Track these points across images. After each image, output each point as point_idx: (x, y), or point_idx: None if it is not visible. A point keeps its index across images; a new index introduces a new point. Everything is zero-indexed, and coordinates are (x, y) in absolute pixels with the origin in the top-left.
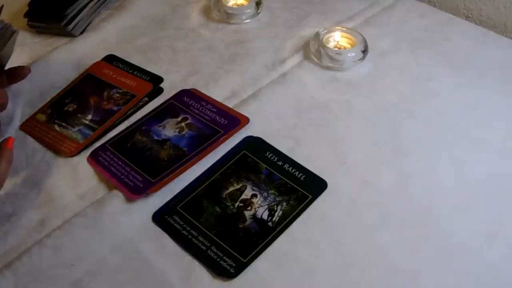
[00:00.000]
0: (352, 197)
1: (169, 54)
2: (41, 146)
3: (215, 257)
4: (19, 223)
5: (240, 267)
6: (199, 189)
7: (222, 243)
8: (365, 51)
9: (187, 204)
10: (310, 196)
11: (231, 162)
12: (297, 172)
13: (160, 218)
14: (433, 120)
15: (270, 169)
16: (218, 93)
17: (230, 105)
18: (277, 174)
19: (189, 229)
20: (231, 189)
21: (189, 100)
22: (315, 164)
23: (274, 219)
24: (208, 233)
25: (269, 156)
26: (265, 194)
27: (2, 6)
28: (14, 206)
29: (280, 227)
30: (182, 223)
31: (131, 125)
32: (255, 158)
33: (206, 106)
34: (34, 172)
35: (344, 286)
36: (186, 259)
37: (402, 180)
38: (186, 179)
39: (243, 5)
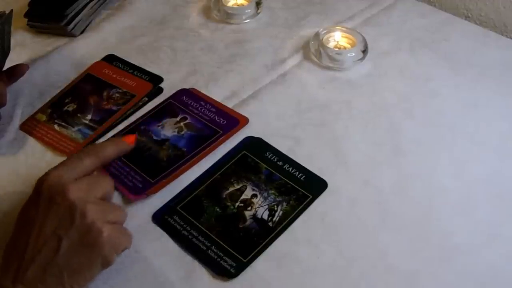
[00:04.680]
0: (352, 197)
1: (169, 54)
2: (41, 146)
3: (215, 257)
4: None
5: (240, 267)
6: (199, 189)
7: (222, 243)
8: (365, 51)
9: (187, 204)
10: (310, 196)
11: (231, 162)
12: (297, 172)
13: (160, 218)
14: (433, 120)
15: (270, 169)
16: (218, 93)
17: (230, 105)
18: (277, 174)
19: (189, 229)
20: (231, 189)
21: (187, 100)
22: (315, 164)
23: (274, 219)
24: (209, 233)
25: (269, 156)
26: (265, 194)
27: (11, 10)
28: (14, 206)
29: (281, 227)
30: (182, 223)
31: (129, 125)
32: (255, 159)
33: (205, 106)
34: (34, 171)
35: (344, 286)
36: (186, 259)
37: (402, 180)
38: (186, 179)
39: (243, 5)
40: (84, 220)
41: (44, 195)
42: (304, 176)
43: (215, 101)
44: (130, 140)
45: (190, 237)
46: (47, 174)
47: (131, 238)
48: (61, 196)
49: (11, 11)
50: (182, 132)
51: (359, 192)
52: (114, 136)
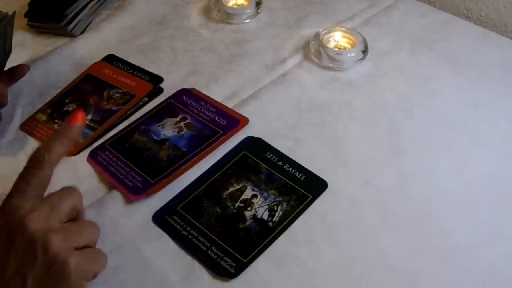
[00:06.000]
0: (352, 197)
1: (169, 54)
2: None
3: (216, 257)
4: None
5: (240, 267)
6: (199, 189)
7: (222, 243)
8: (365, 51)
9: (187, 205)
10: (310, 196)
11: (231, 162)
12: (297, 172)
13: (161, 218)
14: (433, 120)
15: (270, 169)
16: (218, 93)
17: (230, 105)
18: (277, 174)
19: (189, 229)
20: (231, 189)
21: (188, 100)
22: (315, 164)
23: (274, 219)
24: (209, 233)
25: (269, 157)
26: (265, 194)
27: (14, 12)
28: None
29: (281, 227)
30: (182, 224)
31: (130, 125)
32: (255, 159)
33: (205, 106)
34: None
35: (345, 286)
36: (187, 259)
37: (402, 180)
38: (186, 180)
39: (243, 5)
40: (46, 253)
41: (1, 232)
42: (304, 176)
43: (215, 101)
44: (78, 118)
45: (190, 237)
46: (2, 208)
47: (104, 259)
48: (19, 232)
49: (14, 12)
50: (182, 132)
51: (359, 192)
52: (113, 137)
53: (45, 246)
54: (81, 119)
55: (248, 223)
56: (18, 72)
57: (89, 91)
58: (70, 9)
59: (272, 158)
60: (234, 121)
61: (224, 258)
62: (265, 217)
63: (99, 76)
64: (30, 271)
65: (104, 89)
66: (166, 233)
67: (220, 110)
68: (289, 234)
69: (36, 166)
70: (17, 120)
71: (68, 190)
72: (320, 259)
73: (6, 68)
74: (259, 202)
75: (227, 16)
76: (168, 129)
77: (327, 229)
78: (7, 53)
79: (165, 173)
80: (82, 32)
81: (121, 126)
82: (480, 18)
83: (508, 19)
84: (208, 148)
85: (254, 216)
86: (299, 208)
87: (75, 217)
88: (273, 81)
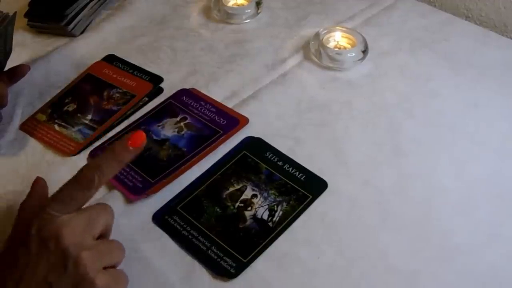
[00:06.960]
0: (352, 197)
1: (169, 54)
2: (41, 146)
3: (216, 257)
4: None
5: (240, 267)
6: (199, 189)
7: (222, 243)
8: (365, 51)
9: (187, 205)
10: (310, 196)
11: (231, 162)
12: (297, 172)
13: (160, 218)
14: (433, 120)
15: (270, 169)
16: (218, 93)
17: (230, 105)
18: (277, 174)
19: (189, 229)
20: (231, 189)
21: (188, 100)
22: (315, 164)
23: (274, 219)
24: (209, 233)
25: (269, 157)
26: (265, 194)
27: (15, 12)
28: (14, 205)
29: (281, 227)
30: (182, 224)
31: (129, 125)
32: (255, 159)
33: (205, 106)
34: (34, 171)
35: (345, 286)
36: (187, 259)
37: (402, 180)
38: (187, 179)
39: (243, 5)
40: (77, 270)
41: (35, 237)
42: (304, 176)
43: (215, 101)
44: (138, 143)
45: (190, 237)
46: (40, 213)
47: (126, 282)
48: (54, 242)
49: (15, 13)
50: (182, 132)
51: (359, 192)
52: (113, 137)
53: (77, 262)
54: (141, 143)
55: (248, 223)
56: (18, 72)
57: (89, 91)
58: (70, 9)
59: (272, 158)
60: (234, 121)
61: (224, 258)
62: (265, 217)
63: (99, 76)
64: (57, 282)
65: (104, 89)
66: (166, 233)
67: (220, 110)
68: (289, 234)
69: (86, 186)
70: (17, 120)
71: (104, 207)
72: (320, 259)
73: (6, 68)
74: (259, 202)
75: (227, 16)
76: (168, 129)
77: (327, 229)
78: (7, 53)
79: (165, 173)
80: (82, 32)
81: (121, 126)
82: (480, 18)
83: (508, 19)
84: (208, 148)
85: (254, 216)
86: (299, 208)
87: (105, 234)
88: (273, 81)
